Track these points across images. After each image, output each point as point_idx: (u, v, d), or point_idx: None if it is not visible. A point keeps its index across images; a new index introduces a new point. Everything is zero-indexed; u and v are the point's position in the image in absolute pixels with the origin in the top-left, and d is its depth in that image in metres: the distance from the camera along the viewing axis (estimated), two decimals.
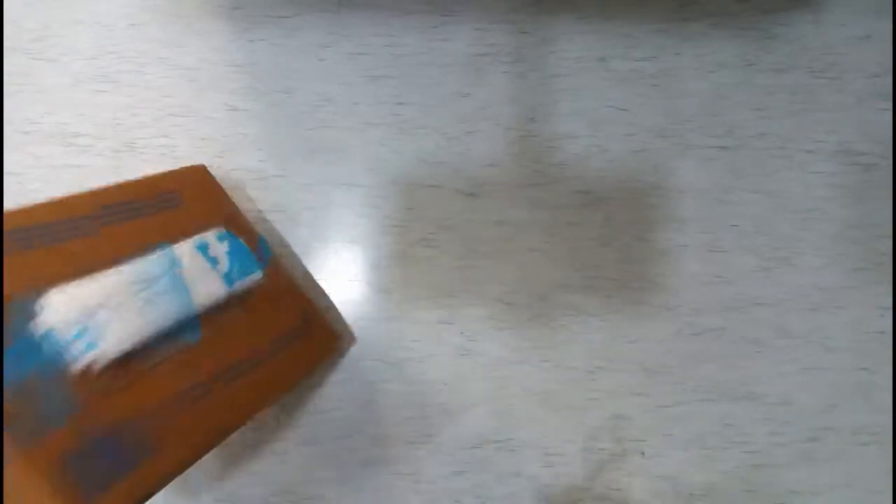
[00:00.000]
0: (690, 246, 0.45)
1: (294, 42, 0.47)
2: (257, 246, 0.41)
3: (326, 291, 0.46)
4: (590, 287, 0.45)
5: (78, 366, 0.30)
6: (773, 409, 0.44)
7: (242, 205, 0.46)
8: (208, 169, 0.42)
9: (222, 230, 0.39)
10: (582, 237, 0.45)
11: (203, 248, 0.37)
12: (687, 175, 0.45)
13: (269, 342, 0.38)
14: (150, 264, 0.33)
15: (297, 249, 0.46)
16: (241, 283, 0.38)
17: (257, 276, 0.39)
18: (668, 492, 0.44)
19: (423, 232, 0.45)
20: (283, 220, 0.46)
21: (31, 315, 0.29)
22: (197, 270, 0.35)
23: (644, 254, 0.45)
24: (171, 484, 0.44)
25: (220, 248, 0.38)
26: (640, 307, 0.45)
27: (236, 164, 0.46)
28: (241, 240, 0.40)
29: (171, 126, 0.47)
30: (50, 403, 0.28)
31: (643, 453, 0.44)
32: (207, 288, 0.35)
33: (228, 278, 0.37)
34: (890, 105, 0.45)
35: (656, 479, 0.44)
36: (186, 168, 0.41)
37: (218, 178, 0.46)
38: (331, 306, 0.45)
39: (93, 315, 0.30)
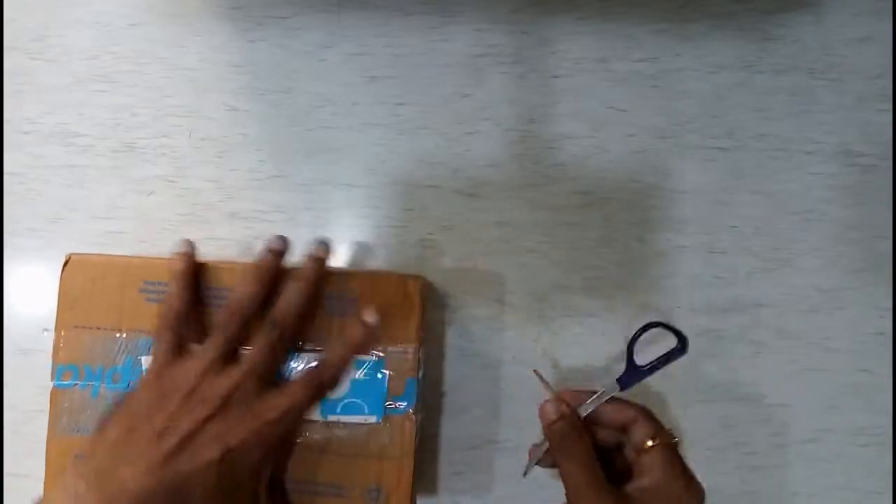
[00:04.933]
0: (690, 247, 0.45)
1: (294, 42, 0.47)
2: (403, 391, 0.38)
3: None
4: (590, 287, 0.45)
5: None
6: (773, 410, 0.44)
7: (243, 205, 0.46)
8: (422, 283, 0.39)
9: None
10: (582, 238, 0.45)
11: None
12: (687, 176, 0.45)
13: None
14: None
15: (297, 250, 0.46)
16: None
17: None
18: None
19: (423, 232, 0.45)
20: (283, 220, 0.46)
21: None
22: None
23: (644, 254, 0.45)
24: None
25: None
26: (639, 308, 0.45)
27: (236, 164, 0.46)
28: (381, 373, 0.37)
29: (171, 126, 0.47)
30: None
31: None
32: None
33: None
34: (890, 106, 0.45)
35: None
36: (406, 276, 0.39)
37: (218, 178, 0.46)
38: None
39: None
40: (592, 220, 0.45)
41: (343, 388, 0.36)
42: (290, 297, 0.35)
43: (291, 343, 0.35)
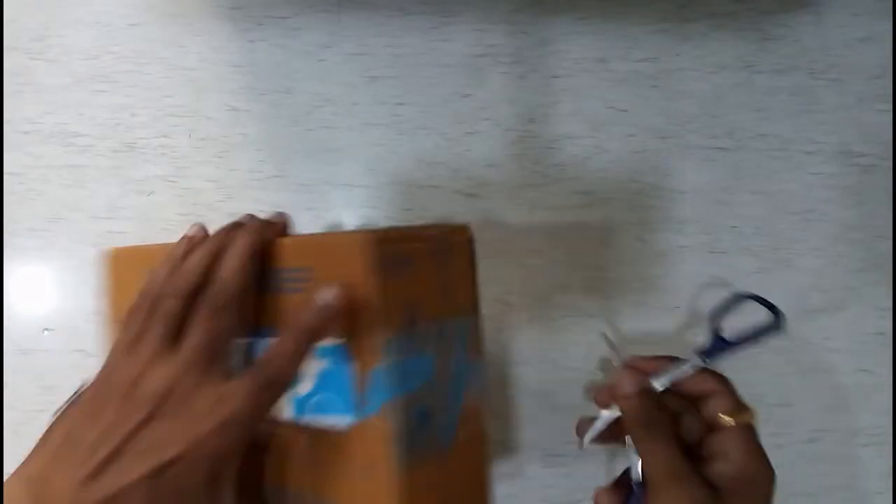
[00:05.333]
0: (690, 247, 0.45)
1: (294, 42, 0.47)
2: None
3: None
4: (590, 287, 0.45)
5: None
6: (773, 410, 0.44)
7: (243, 205, 0.46)
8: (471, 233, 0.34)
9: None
10: (582, 238, 0.45)
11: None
12: (687, 176, 0.45)
13: None
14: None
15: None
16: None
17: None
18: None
19: None
20: None
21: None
22: None
23: (644, 254, 0.45)
24: None
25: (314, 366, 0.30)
26: (640, 308, 0.45)
27: (236, 164, 0.46)
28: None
29: (171, 126, 0.47)
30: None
31: None
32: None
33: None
34: (890, 106, 0.45)
35: None
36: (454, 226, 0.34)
37: (218, 178, 0.46)
38: None
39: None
40: (592, 220, 0.45)
41: (307, 383, 0.30)
42: (226, 266, 0.29)
43: (238, 321, 0.29)
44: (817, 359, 0.44)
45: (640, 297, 0.45)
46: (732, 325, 0.34)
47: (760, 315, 0.33)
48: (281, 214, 0.34)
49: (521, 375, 0.45)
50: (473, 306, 0.34)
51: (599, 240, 0.45)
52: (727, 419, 0.30)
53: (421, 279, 0.30)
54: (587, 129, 0.46)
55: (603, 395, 0.33)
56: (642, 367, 0.33)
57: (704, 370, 0.32)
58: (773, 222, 0.45)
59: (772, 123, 0.45)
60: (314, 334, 0.28)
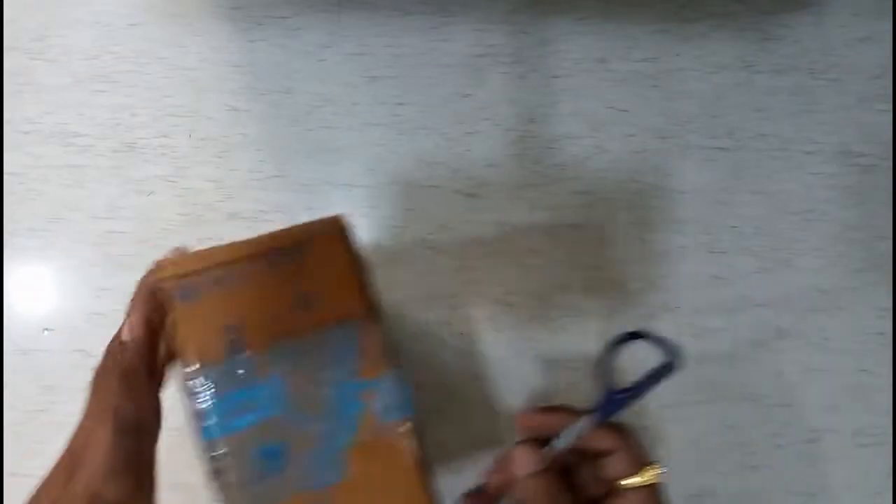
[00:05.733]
0: (690, 247, 0.45)
1: (294, 42, 0.47)
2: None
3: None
4: (590, 287, 0.45)
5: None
6: (773, 411, 0.44)
7: (243, 205, 0.46)
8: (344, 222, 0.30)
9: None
10: (582, 238, 0.45)
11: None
12: (687, 176, 0.45)
13: None
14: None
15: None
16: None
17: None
18: (667, 492, 0.44)
19: (423, 232, 0.45)
20: (283, 220, 0.46)
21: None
22: None
23: (644, 254, 0.45)
24: None
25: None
26: (640, 308, 0.45)
27: (236, 164, 0.46)
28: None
29: (171, 126, 0.47)
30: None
31: None
32: None
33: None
34: (890, 106, 0.45)
35: None
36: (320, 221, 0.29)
37: (218, 178, 0.46)
38: None
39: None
40: (592, 219, 0.45)
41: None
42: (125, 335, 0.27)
43: (146, 383, 0.27)
44: (817, 359, 0.44)
45: (640, 297, 0.45)
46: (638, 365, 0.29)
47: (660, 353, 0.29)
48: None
49: (521, 375, 0.45)
50: (364, 311, 0.28)
51: (599, 240, 0.45)
52: (627, 482, 0.28)
53: (243, 299, 0.27)
54: (587, 129, 0.46)
55: (497, 478, 0.30)
56: (539, 425, 0.29)
57: (603, 425, 0.29)
58: (773, 222, 0.45)
59: (772, 123, 0.45)
60: (126, 375, 0.26)
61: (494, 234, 0.45)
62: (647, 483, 0.28)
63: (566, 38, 0.46)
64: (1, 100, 0.47)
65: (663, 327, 0.44)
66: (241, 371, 0.26)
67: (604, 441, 0.28)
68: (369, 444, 0.26)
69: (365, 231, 0.46)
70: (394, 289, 0.45)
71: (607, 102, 0.46)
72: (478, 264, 0.45)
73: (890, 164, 0.45)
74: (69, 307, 0.45)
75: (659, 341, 0.29)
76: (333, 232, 0.28)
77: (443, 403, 0.45)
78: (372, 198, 0.46)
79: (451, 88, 0.46)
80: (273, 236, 0.28)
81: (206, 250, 0.27)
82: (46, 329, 0.45)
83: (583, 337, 0.45)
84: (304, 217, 0.45)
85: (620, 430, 0.29)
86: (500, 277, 0.45)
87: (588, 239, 0.45)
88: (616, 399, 0.29)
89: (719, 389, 0.44)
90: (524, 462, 0.28)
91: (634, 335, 0.30)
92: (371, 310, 0.28)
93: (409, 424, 0.27)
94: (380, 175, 0.46)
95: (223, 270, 0.27)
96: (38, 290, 0.46)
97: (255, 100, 0.47)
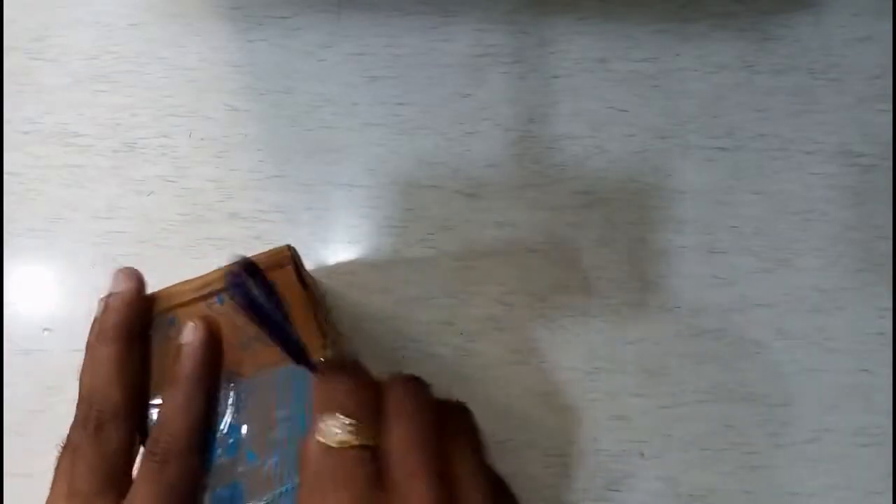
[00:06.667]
0: (690, 247, 0.45)
1: (294, 42, 0.47)
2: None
3: (326, 292, 0.46)
4: (590, 287, 0.45)
5: None
6: (773, 411, 0.44)
7: (243, 205, 0.46)
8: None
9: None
10: (582, 238, 0.45)
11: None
12: (687, 176, 0.45)
13: None
14: None
15: (297, 251, 0.46)
16: None
17: None
18: (666, 492, 0.44)
19: (423, 232, 0.45)
20: (283, 220, 0.46)
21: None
22: None
23: (644, 254, 0.45)
24: None
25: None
26: (639, 308, 0.45)
27: (236, 164, 0.46)
28: None
29: (171, 126, 0.47)
30: None
31: (642, 454, 0.44)
32: None
33: None
34: (890, 106, 0.45)
35: (655, 480, 0.44)
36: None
37: (218, 178, 0.46)
38: (332, 307, 0.45)
39: None
40: (592, 220, 0.45)
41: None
42: (89, 370, 0.26)
43: (125, 423, 0.25)
44: (817, 359, 0.44)
45: (640, 297, 0.45)
46: None
47: None
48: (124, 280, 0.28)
49: (521, 375, 0.45)
50: (317, 343, 0.27)
51: (599, 240, 0.45)
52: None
53: (161, 356, 0.26)
54: (587, 129, 0.46)
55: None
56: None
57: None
58: (773, 222, 0.45)
59: (772, 123, 0.45)
60: (193, 380, 0.25)
61: (494, 234, 0.45)
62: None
63: (566, 38, 0.46)
64: (1, 100, 0.47)
65: (663, 327, 0.44)
66: None
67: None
68: None
69: (365, 231, 0.46)
70: (394, 289, 0.45)
71: (607, 102, 0.46)
72: (478, 264, 0.45)
73: (890, 164, 0.45)
74: (69, 307, 0.45)
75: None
76: (283, 264, 0.28)
77: None
78: (372, 198, 0.46)
79: (451, 88, 0.46)
80: (216, 278, 0.27)
81: (155, 293, 0.27)
82: (46, 329, 0.45)
83: (582, 337, 0.45)
84: (304, 217, 0.46)
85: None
86: (500, 277, 0.45)
87: (588, 239, 0.45)
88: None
89: (719, 389, 0.44)
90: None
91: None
92: (325, 341, 0.27)
93: None
94: (380, 175, 0.46)
95: (172, 314, 0.27)
96: (38, 290, 0.46)
97: (255, 100, 0.47)
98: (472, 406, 0.45)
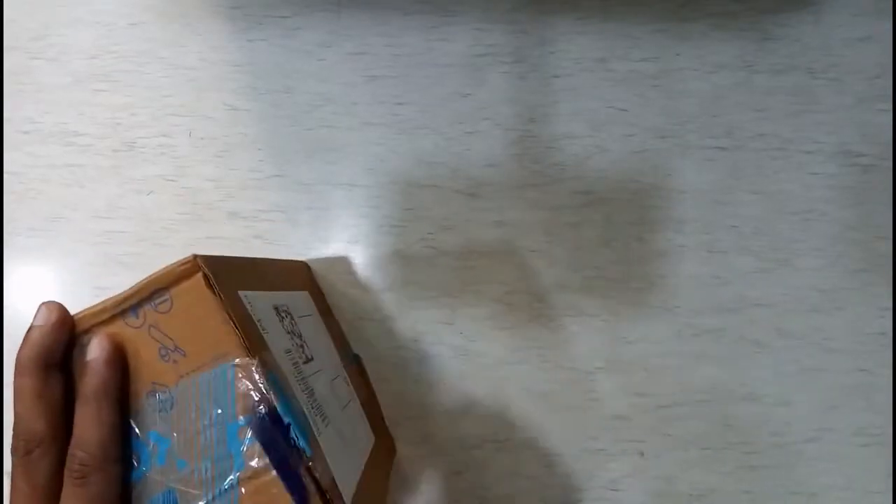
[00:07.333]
0: (689, 247, 0.45)
1: (294, 42, 0.47)
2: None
3: (326, 292, 0.46)
4: (589, 287, 0.45)
5: None
6: (773, 410, 0.44)
7: (243, 204, 0.46)
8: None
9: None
10: (581, 237, 0.45)
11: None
12: (686, 176, 0.45)
13: None
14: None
15: (297, 250, 0.46)
16: None
17: None
18: (666, 492, 0.44)
19: (423, 232, 0.45)
20: (283, 219, 0.46)
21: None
22: None
23: (643, 254, 0.45)
24: None
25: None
26: (639, 308, 0.45)
27: (236, 163, 0.46)
28: None
29: (171, 126, 0.47)
30: None
31: (642, 454, 0.44)
32: None
33: None
34: (890, 106, 0.45)
35: (655, 480, 0.44)
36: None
37: (218, 178, 0.46)
38: (331, 306, 0.45)
39: None
40: (592, 220, 0.45)
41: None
42: (15, 402, 0.26)
43: (50, 450, 0.25)
44: (817, 359, 0.44)
45: (640, 297, 0.45)
46: None
47: None
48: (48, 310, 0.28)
49: (521, 375, 0.45)
50: (238, 349, 0.26)
51: (599, 240, 0.45)
52: None
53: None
54: (587, 128, 0.46)
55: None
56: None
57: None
58: (773, 222, 0.45)
59: (771, 123, 0.45)
60: (102, 397, 0.26)
61: (494, 233, 0.45)
62: None
63: (566, 37, 0.46)
64: (1, 99, 0.47)
65: (663, 327, 0.44)
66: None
67: None
68: (255, 478, 0.26)
69: (365, 231, 0.46)
70: (394, 289, 0.45)
71: (607, 102, 0.46)
72: (478, 264, 0.45)
73: (890, 164, 0.45)
74: (69, 307, 0.45)
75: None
76: (193, 273, 0.27)
77: (442, 402, 0.45)
78: (372, 198, 0.46)
79: (451, 88, 0.46)
80: (129, 294, 0.27)
81: (77, 315, 0.28)
82: None
83: (582, 337, 0.45)
84: (304, 217, 0.46)
85: None
86: (500, 277, 0.45)
87: (588, 239, 0.45)
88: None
89: (719, 389, 0.44)
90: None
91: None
92: (246, 346, 0.27)
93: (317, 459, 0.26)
94: (380, 175, 0.46)
95: (90, 334, 0.27)
96: (38, 290, 0.46)
97: (255, 99, 0.47)
98: (472, 406, 0.46)
